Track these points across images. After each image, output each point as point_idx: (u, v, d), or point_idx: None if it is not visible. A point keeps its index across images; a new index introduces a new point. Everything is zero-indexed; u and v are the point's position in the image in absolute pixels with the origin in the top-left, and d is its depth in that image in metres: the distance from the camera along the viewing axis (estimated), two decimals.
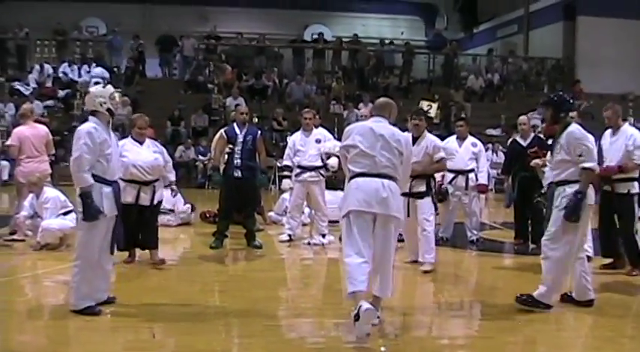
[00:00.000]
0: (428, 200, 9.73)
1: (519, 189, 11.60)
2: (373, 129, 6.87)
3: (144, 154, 9.61)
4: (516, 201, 11.84)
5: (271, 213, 14.43)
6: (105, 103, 7.23)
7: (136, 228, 9.52)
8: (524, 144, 11.71)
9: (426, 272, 9.61)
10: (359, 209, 6.67)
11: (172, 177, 10.22)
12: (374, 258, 6.66)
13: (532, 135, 11.82)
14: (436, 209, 10.03)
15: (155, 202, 9.73)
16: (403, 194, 7.56)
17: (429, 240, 9.74)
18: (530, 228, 11.71)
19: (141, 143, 9.69)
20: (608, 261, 10.16)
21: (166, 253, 10.15)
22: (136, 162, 9.46)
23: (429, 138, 10.01)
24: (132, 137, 9.75)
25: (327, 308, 7.70)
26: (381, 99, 7.41)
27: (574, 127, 7.77)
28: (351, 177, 6.86)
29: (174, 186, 10.39)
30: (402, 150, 6.92)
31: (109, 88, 7.32)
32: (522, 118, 12.07)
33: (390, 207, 6.70)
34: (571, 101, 8.41)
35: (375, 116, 7.17)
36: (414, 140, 9.49)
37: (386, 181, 6.74)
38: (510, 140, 12.50)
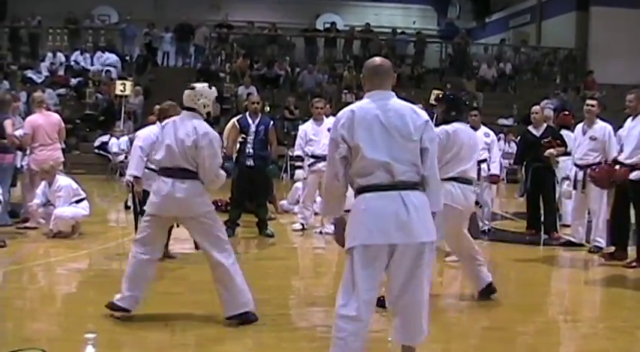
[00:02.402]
0: None
1: (532, 180, 11.56)
2: (380, 119, 4.78)
3: None
4: (529, 192, 11.82)
5: (283, 202, 14.44)
6: (207, 106, 6.79)
7: None
8: (537, 134, 11.66)
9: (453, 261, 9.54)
10: (370, 243, 4.71)
11: None
12: (394, 297, 4.90)
13: (545, 125, 11.77)
14: None
15: None
16: None
17: None
18: (542, 219, 11.71)
19: None
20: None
21: (178, 242, 10.17)
22: None
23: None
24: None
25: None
26: (376, 61, 5.13)
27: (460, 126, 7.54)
28: (358, 192, 4.84)
29: None
30: (426, 139, 4.89)
31: (214, 90, 7.02)
32: (535, 108, 12.02)
33: (415, 232, 4.73)
34: (467, 103, 8.28)
35: (374, 90, 4.98)
36: None
37: (406, 194, 4.74)
38: (523, 131, 12.45)
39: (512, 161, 21.96)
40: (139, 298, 6.55)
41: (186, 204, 6.50)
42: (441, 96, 8.59)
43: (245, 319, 6.58)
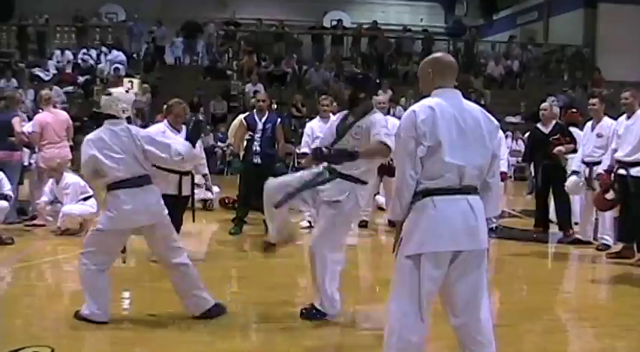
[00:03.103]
0: None
1: (542, 177, 11.52)
2: (457, 120, 4.48)
3: (183, 143, 9.26)
4: (538, 189, 11.79)
5: None
6: (127, 111, 6.61)
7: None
8: (546, 131, 11.62)
9: None
10: (441, 250, 4.42)
11: (205, 169, 10.19)
12: (459, 310, 4.59)
13: (554, 122, 11.74)
14: None
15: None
16: None
17: None
18: (556, 216, 11.70)
19: (178, 131, 9.18)
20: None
21: (185, 239, 10.18)
22: None
23: None
24: (169, 124, 9.27)
25: (345, 294, 7.70)
26: (447, 56, 4.91)
27: (379, 116, 6.88)
28: (422, 194, 4.46)
29: (208, 180, 10.52)
30: (496, 145, 4.75)
31: (132, 95, 6.95)
32: (544, 105, 11.98)
33: (481, 238, 4.51)
34: (377, 82, 7.67)
35: (445, 88, 4.64)
36: None
37: (472, 198, 4.50)
38: (533, 127, 12.42)
39: (519, 159, 22.04)
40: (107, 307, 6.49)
41: (155, 210, 6.48)
42: (347, 76, 8.14)
43: (219, 311, 6.69)
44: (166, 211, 6.62)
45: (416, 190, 4.46)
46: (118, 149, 6.33)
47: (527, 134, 13.12)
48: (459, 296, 4.53)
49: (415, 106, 4.52)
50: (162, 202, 6.60)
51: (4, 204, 10.31)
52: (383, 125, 6.61)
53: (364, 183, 6.69)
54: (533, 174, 12.02)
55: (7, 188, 10.46)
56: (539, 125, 11.95)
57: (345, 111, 6.97)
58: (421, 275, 4.39)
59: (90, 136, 6.49)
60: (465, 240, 4.42)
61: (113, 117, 6.49)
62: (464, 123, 4.47)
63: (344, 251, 6.93)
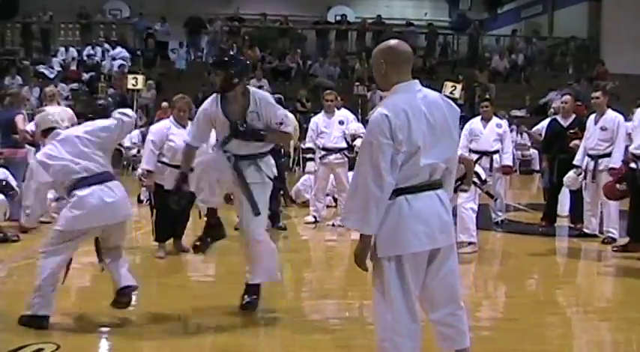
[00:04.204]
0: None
1: (558, 171, 11.43)
2: (427, 116, 4.28)
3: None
4: (552, 183, 11.74)
5: (300, 183, 14.42)
6: (63, 120, 6.71)
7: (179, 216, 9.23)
8: (564, 124, 11.58)
9: (465, 253, 9.58)
10: (420, 249, 4.31)
11: None
12: (437, 304, 4.51)
13: (573, 115, 11.67)
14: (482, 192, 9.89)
15: None
16: None
17: (465, 221, 9.69)
18: (570, 210, 11.70)
19: (184, 126, 9.06)
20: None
21: (191, 234, 10.19)
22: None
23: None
24: (174, 120, 9.24)
25: (351, 289, 7.71)
26: (400, 44, 4.48)
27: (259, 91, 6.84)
28: (395, 194, 4.25)
29: None
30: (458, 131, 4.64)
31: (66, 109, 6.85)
32: (566, 98, 11.93)
33: (452, 232, 4.52)
34: (248, 64, 7.35)
35: (407, 81, 4.42)
36: None
37: (441, 193, 4.41)
38: (550, 119, 12.34)
39: (524, 152, 22.04)
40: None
41: (119, 207, 6.38)
42: (214, 62, 7.76)
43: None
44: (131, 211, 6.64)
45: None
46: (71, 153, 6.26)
47: (535, 127, 13.00)
48: (438, 291, 4.45)
49: (385, 109, 4.20)
50: (127, 199, 6.53)
51: (1, 197, 10.32)
52: (278, 107, 6.71)
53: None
54: (548, 167, 11.96)
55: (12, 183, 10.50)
56: (558, 117, 11.90)
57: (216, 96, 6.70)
58: (405, 277, 4.27)
59: (40, 157, 6.38)
60: (440, 236, 4.33)
61: (53, 128, 6.45)
62: (432, 118, 4.29)
63: None
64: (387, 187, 4.14)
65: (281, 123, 6.61)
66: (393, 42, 4.47)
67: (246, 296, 6.77)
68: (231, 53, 8.63)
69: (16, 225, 10.76)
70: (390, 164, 4.12)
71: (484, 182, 9.87)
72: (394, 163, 4.14)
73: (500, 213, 12.18)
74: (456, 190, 9.12)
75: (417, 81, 4.41)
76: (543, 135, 12.15)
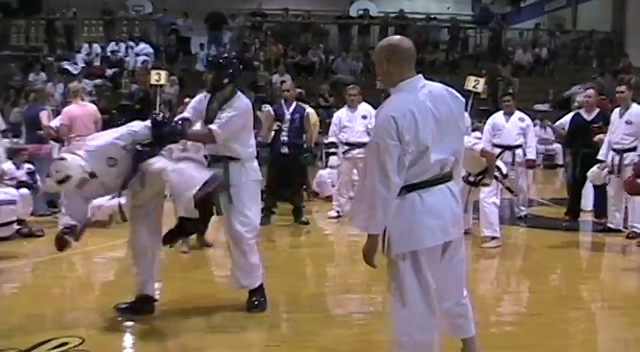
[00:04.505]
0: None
1: (582, 166, 11.37)
2: (433, 112, 4.25)
3: None
4: (575, 177, 11.67)
5: (322, 172, 14.45)
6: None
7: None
8: (588, 118, 11.50)
9: (489, 247, 9.64)
10: (435, 244, 4.32)
11: None
12: (446, 295, 4.51)
13: (597, 110, 11.59)
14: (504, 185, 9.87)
15: None
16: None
17: (488, 216, 9.69)
18: (594, 204, 11.64)
19: None
20: None
21: (214, 229, 10.22)
22: None
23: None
24: None
25: (374, 284, 7.70)
26: (403, 41, 4.44)
27: (240, 103, 6.69)
28: (407, 190, 4.25)
29: None
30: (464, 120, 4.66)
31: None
32: (589, 92, 11.85)
33: (462, 223, 4.62)
34: (240, 67, 7.43)
35: (411, 77, 4.35)
36: None
37: (451, 186, 4.43)
38: (573, 113, 12.26)
39: (548, 146, 21.91)
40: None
41: None
42: (210, 59, 7.82)
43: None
44: None
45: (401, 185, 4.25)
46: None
47: (558, 122, 12.91)
48: (448, 282, 4.48)
49: (391, 111, 4.18)
50: None
51: (26, 192, 10.44)
52: (234, 114, 6.54)
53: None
54: (572, 162, 11.89)
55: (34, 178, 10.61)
56: (581, 111, 11.81)
57: (207, 95, 6.79)
58: (422, 271, 4.28)
59: None
60: (453, 229, 4.38)
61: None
62: (438, 113, 4.26)
63: None
64: (393, 188, 4.14)
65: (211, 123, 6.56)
66: (395, 39, 4.46)
67: (253, 299, 6.75)
68: (226, 56, 8.56)
69: (41, 220, 10.86)
70: (397, 165, 4.12)
71: (505, 176, 9.85)
72: (401, 164, 4.14)
73: (523, 208, 12.15)
74: (477, 184, 9.13)
75: (420, 76, 4.36)
76: (567, 129, 12.08)
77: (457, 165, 4.52)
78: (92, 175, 6.12)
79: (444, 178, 4.35)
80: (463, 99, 4.53)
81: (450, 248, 4.42)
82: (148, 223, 6.55)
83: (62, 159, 6.32)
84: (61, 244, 6.50)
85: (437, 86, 4.42)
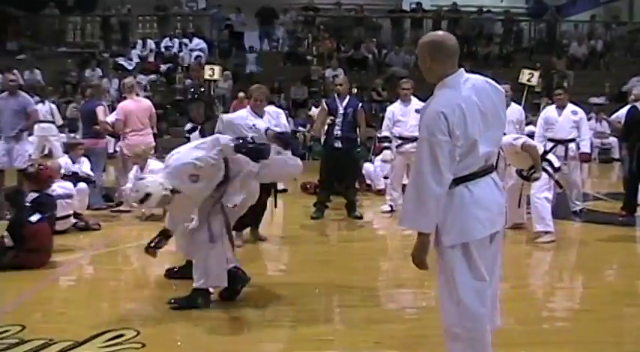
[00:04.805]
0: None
1: (637, 160, 11.21)
2: (479, 107, 4.25)
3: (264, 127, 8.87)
4: (631, 172, 11.51)
5: (367, 165, 14.50)
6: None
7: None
8: None
9: (544, 242, 9.58)
10: (484, 235, 4.32)
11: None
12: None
13: None
14: (552, 177, 9.78)
15: None
16: None
17: (539, 211, 9.63)
18: None
19: (260, 116, 9.08)
20: None
21: (269, 223, 10.29)
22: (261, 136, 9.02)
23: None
24: (251, 109, 9.13)
25: (427, 278, 7.67)
26: (447, 36, 4.38)
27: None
28: (455, 183, 4.25)
29: None
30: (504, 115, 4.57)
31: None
32: None
33: (504, 214, 4.58)
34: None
35: (455, 72, 4.32)
36: None
37: (495, 177, 4.44)
38: (629, 106, 12.09)
39: (604, 140, 21.64)
40: None
41: None
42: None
43: None
44: None
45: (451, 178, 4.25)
46: None
47: (614, 115, 12.75)
48: (491, 273, 4.40)
49: (440, 107, 4.15)
50: None
51: (83, 186, 10.61)
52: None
53: None
54: (628, 156, 11.73)
55: (89, 172, 10.76)
56: (637, 105, 11.62)
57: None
58: (474, 262, 4.27)
59: None
60: (499, 219, 4.39)
61: None
62: (483, 106, 4.26)
63: None
64: (446, 183, 4.14)
65: None
66: (438, 35, 4.41)
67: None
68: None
69: (97, 214, 11.02)
70: (448, 160, 4.11)
71: (557, 170, 9.77)
72: (452, 159, 4.12)
73: (578, 203, 12.02)
74: (529, 179, 9.07)
75: (462, 70, 4.33)
76: (623, 122, 11.92)
77: (494, 155, 4.51)
78: (174, 191, 6.28)
79: (488, 170, 4.36)
80: (502, 90, 4.50)
81: (495, 238, 4.40)
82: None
83: (141, 179, 6.49)
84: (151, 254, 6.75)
85: (479, 79, 4.40)
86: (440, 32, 4.51)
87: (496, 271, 4.48)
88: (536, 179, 9.13)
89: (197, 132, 9.40)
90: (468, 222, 4.25)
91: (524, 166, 9.13)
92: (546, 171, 9.46)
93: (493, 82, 4.45)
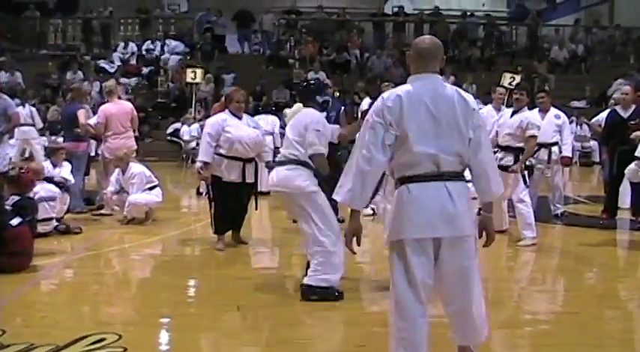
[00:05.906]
0: (518, 177, 9.57)
1: (619, 163, 11.27)
2: (429, 107, 4.37)
3: (246, 130, 9.19)
4: (612, 175, 11.56)
5: None
6: None
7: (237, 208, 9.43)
8: (624, 115, 11.37)
9: (525, 246, 9.60)
10: (418, 236, 4.36)
11: (269, 157, 9.98)
12: (448, 296, 4.57)
13: (634, 106, 11.44)
14: (525, 182, 9.81)
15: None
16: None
17: (525, 217, 9.67)
18: (631, 202, 11.54)
19: (240, 118, 9.21)
20: None
21: (250, 226, 10.26)
22: (241, 138, 9.02)
23: (527, 114, 9.94)
24: (230, 112, 9.23)
25: None
26: (425, 41, 4.65)
27: None
28: (400, 182, 4.46)
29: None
30: (476, 124, 4.50)
31: None
32: (626, 88, 11.74)
33: (461, 225, 4.41)
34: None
35: (420, 73, 4.54)
36: (512, 114, 9.84)
37: (451, 185, 4.39)
38: (609, 110, 12.15)
39: (584, 144, 21.75)
40: None
41: None
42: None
43: None
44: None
45: (394, 178, 4.50)
46: None
47: (594, 119, 12.83)
48: (447, 284, 4.48)
49: (385, 93, 4.53)
50: None
51: (54, 189, 10.42)
52: None
53: None
54: (609, 159, 11.78)
55: (65, 175, 10.68)
56: (618, 108, 11.68)
57: None
58: (407, 260, 4.37)
59: None
60: (442, 226, 4.35)
61: None
62: (436, 109, 4.37)
63: None
64: (374, 163, 4.36)
65: None
66: (420, 38, 4.75)
67: None
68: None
69: (79, 218, 10.96)
70: (380, 142, 4.35)
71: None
72: (383, 142, 4.36)
73: (559, 206, 12.06)
74: (506, 169, 9.25)
75: (431, 75, 4.52)
76: (603, 126, 11.98)
77: (479, 168, 4.53)
78: None
79: (444, 176, 4.38)
80: (475, 106, 4.53)
81: (443, 247, 4.39)
82: None
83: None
84: None
85: (447, 88, 4.52)
86: (425, 36, 4.78)
87: (462, 286, 4.48)
88: (513, 171, 9.28)
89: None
90: (401, 220, 4.40)
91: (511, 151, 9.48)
92: (523, 176, 9.57)
93: (465, 94, 4.56)
